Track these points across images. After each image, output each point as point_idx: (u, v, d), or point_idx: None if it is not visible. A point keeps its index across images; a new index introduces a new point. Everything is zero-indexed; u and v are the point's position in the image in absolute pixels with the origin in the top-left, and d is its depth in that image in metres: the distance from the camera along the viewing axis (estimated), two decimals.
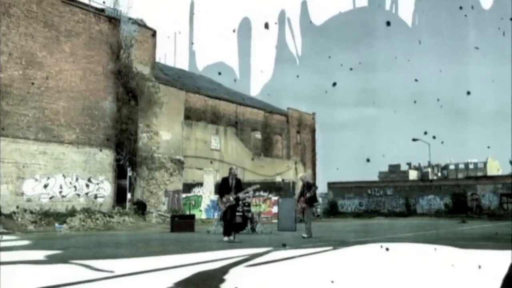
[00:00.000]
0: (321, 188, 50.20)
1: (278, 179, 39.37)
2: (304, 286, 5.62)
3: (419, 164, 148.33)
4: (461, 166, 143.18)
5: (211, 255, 9.07)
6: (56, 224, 20.31)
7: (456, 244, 12.21)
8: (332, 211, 47.44)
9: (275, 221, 24.39)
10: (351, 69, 20.99)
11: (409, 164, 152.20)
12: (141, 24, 28.78)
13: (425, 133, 49.44)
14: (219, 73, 38.68)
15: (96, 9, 25.89)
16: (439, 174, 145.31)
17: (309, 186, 16.15)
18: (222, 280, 5.93)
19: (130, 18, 26.97)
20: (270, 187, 35.87)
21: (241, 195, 14.25)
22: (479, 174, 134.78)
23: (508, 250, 9.46)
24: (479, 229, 21.21)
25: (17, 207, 20.43)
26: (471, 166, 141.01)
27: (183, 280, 5.91)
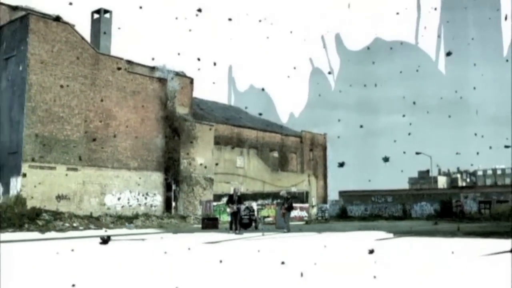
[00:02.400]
0: (333, 196, 59.48)
1: (293, 189, 48.85)
2: (254, 247, 15.27)
3: (448, 170, 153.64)
4: (489, 172, 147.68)
5: (220, 236, 18.76)
6: (127, 224, 30.50)
7: (390, 231, 21.52)
8: (343, 215, 56.30)
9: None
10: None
11: (438, 169, 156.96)
12: (181, 75, 39.01)
13: (417, 153, 57.82)
14: (260, 114, 48.22)
15: (150, 67, 36.34)
16: (468, 180, 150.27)
17: (287, 199, 25.80)
18: (217, 243, 15.63)
19: (176, 73, 37.19)
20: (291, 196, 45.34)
21: (241, 206, 24.17)
22: (507, 180, 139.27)
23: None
24: (434, 227, 27.98)
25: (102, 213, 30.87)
26: (499, 172, 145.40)
27: (201, 242, 15.65)
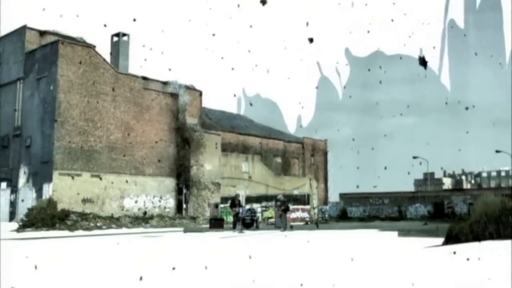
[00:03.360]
0: (334, 198, 63.24)
1: (295, 192, 52.70)
2: (251, 241, 19.20)
3: (453, 172, 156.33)
4: (494, 174, 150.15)
5: (225, 234, 22.66)
6: (143, 224, 34.49)
7: (381, 229, 25.25)
8: (343, 216, 60.04)
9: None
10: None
11: (444, 171, 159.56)
12: (191, 88, 43.01)
13: (414, 157, 61.81)
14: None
15: (163, 82, 40.41)
16: (473, 181, 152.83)
17: (284, 202, 29.70)
18: (227, 238, 19.56)
19: (186, 87, 41.20)
20: (289, 199, 49.19)
21: (241, 209, 28.21)
22: (511, 182, 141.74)
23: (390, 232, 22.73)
24: (422, 227, 31.21)
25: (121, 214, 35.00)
26: (503, 174, 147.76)
27: (216, 237, 19.62)
